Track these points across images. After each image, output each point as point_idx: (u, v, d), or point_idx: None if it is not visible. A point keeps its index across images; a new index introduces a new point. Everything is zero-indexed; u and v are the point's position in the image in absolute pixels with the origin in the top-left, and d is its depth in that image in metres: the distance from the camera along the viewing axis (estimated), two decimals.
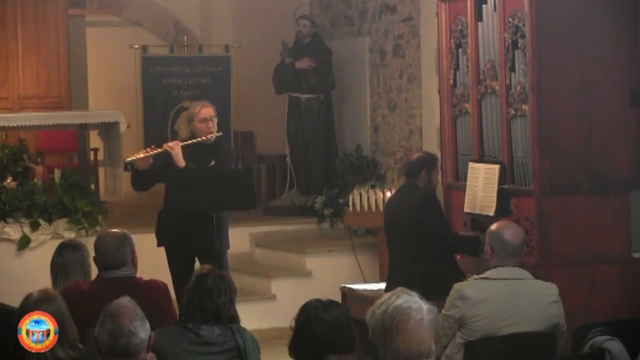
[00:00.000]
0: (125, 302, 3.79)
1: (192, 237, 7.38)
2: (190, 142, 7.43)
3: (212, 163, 7.44)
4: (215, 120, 7.49)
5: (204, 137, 7.41)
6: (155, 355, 3.86)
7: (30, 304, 4.19)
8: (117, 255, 5.25)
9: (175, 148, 7.34)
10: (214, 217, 7.28)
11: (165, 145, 7.40)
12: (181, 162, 7.30)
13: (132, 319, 3.71)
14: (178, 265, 7.40)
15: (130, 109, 11.24)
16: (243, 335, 4.72)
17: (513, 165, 6.91)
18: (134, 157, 7.48)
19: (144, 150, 7.50)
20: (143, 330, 3.73)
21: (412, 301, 3.57)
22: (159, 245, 7.58)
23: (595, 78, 6.75)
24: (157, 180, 7.57)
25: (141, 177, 7.50)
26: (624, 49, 6.80)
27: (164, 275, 6.34)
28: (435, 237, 6.83)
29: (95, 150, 11.36)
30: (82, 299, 5.01)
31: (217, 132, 7.46)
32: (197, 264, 7.40)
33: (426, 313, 3.55)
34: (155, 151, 7.38)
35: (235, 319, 7.10)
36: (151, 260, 7.21)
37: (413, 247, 6.86)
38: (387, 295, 3.63)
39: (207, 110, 7.48)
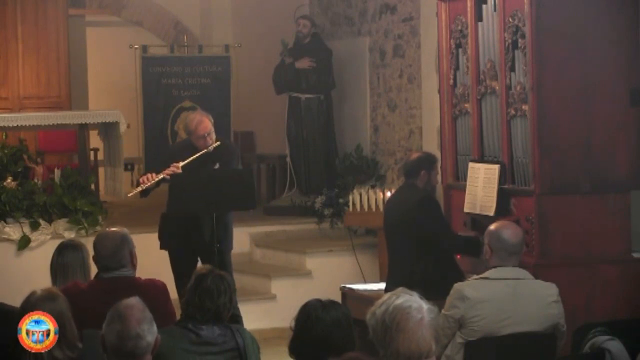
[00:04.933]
0: (135, 302, 3.78)
1: (195, 239, 7.37)
2: (190, 159, 7.39)
3: (217, 166, 7.45)
4: (212, 131, 7.47)
5: (202, 152, 7.41)
6: (156, 356, 3.86)
7: (32, 302, 4.19)
8: (115, 258, 5.25)
9: (176, 172, 7.33)
10: (217, 218, 7.27)
11: (164, 174, 7.35)
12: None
13: (141, 322, 3.70)
14: (181, 266, 7.40)
15: (130, 109, 11.24)
16: (243, 335, 4.71)
17: (513, 165, 6.91)
18: (135, 191, 7.49)
19: (142, 180, 7.41)
20: (150, 334, 3.72)
21: (412, 301, 3.57)
22: (161, 247, 7.58)
23: (595, 78, 6.74)
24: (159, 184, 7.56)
25: (147, 193, 7.53)
26: (624, 49, 6.80)
27: (165, 275, 6.33)
28: (434, 238, 6.83)
29: (95, 150, 11.36)
30: (80, 299, 5.01)
31: (215, 141, 7.46)
32: (199, 265, 7.40)
33: (426, 313, 3.55)
34: (157, 179, 7.34)
35: (238, 318, 7.14)
36: (151, 261, 7.22)
37: (412, 247, 6.86)
38: (388, 295, 3.63)
39: (202, 127, 7.45)
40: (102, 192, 10.75)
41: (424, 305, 3.57)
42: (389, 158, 10.64)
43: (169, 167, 7.38)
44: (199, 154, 7.41)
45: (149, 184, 7.34)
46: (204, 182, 7.28)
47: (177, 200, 7.32)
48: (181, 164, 7.37)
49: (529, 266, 5.95)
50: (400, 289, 3.66)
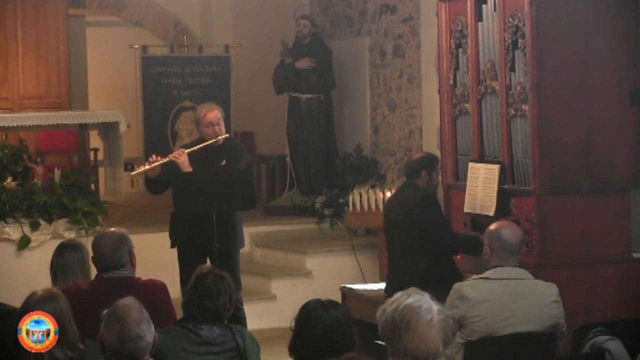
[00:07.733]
0: (131, 303, 3.77)
1: (199, 239, 7.35)
2: (196, 147, 7.40)
3: (224, 163, 7.44)
4: (222, 122, 7.46)
5: (210, 141, 7.40)
6: (156, 356, 3.86)
7: (33, 302, 4.19)
8: (115, 257, 5.25)
9: (181, 157, 7.33)
10: (218, 218, 7.25)
11: (170, 156, 7.37)
12: (187, 168, 7.29)
13: (139, 322, 3.70)
14: (188, 265, 7.37)
15: (130, 109, 11.24)
16: (243, 335, 4.71)
17: (513, 165, 6.91)
18: (139, 170, 7.48)
19: (148, 161, 7.42)
20: (149, 333, 3.72)
21: (423, 301, 3.57)
22: (172, 246, 7.56)
23: (595, 78, 6.75)
24: (169, 185, 7.55)
25: (154, 184, 7.51)
26: (624, 49, 6.80)
27: (164, 276, 6.33)
28: (434, 237, 6.83)
29: (95, 150, 11.36)
30: (80, 299, 5.01)
31: (225, 133, 7.46)
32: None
33: (436, 314, 3.54)
34: (162, 161, 7.35)
35: (240, 320, 7.13)
36: (151, 261, 7.22)
37: (412, 247, 6.85)
38: (399, 293, 3.62)
39: (212, 115, 7.44)
40: (102, 192, 10.74)
41: (434, 306, 3.57)
42: (389, 158, 10.64)
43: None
44: (206, 142, 7.39)
45: (154, 164, 7.31)
46: (204, 181, 7.27)
47: (178, 199, 7.32)
48: (187, 151, 7.38)
49: (529, 266, 5.96)
50: (412, 288, 3.66)
